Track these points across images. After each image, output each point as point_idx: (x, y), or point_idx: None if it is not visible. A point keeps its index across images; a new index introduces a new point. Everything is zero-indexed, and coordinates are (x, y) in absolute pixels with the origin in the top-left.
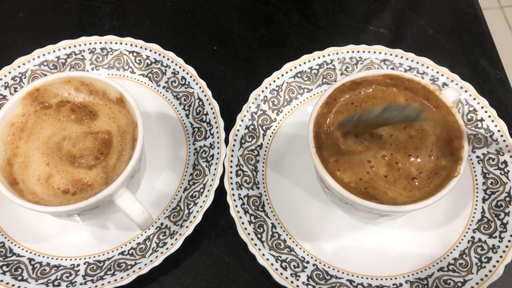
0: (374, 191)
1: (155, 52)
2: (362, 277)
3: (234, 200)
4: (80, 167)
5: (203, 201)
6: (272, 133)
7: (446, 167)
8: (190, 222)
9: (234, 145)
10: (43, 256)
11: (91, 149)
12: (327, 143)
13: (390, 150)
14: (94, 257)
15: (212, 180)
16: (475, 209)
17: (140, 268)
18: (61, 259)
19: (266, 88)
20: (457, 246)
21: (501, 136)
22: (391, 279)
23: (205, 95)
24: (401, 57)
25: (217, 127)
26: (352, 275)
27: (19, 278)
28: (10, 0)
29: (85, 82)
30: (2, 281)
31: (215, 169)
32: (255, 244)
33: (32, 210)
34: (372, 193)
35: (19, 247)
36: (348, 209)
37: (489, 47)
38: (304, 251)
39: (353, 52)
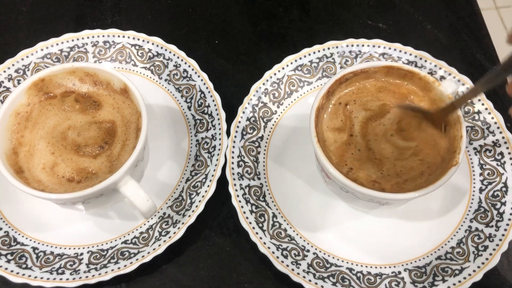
0: (374, 179)
1: (157, 45)
2: (361, 266)
3: (236, 190)
4: (84, 156)
5: (205, 191)
6: (273, 125)
7: (445, 156)
8: (193, 211)
9: (235, 137)
10: (47, 245)
11: (96, 138)
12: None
13: (390, 140)
14: (98, 246)
15: (214, 170)
16: (472, 199)
17: (143, 256)
18: (65, 248)
19: (267, 80)
20: (454, 235)
21: (498, 128)
22: (390, 267)
23: (206, 88)
24: (400, 51)
25: (218, 119)
26: (352, 264)
27: (23, 266)
28: None
29: (89, 72)
30: (7, 269)
31: (217, 159)
32: (257, 233)
33: (37, 198)
34: (372, 181)
35: (23, 236)
36: (349, 198)
37: (486, 42)
38: (304, 240)
39: (352, 46)
